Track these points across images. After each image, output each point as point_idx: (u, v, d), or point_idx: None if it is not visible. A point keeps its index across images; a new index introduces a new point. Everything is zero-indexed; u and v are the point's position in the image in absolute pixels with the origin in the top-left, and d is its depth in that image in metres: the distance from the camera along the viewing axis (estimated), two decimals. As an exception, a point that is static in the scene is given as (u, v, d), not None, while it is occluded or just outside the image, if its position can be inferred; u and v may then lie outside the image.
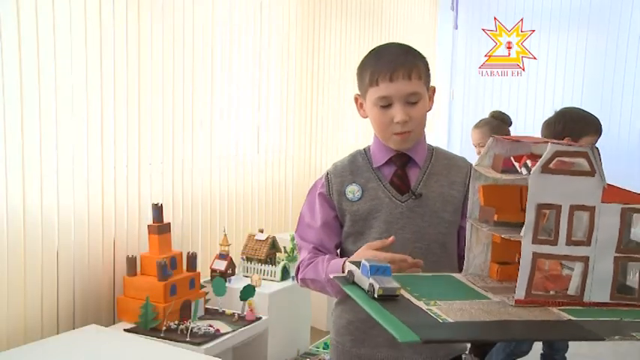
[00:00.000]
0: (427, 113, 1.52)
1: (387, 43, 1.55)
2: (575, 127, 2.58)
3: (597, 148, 1.04)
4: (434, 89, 1.53)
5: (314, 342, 3.29)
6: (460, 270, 1.48)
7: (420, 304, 1.05)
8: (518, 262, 1.21)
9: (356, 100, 1.55)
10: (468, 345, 1.63)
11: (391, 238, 1.38)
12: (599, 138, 2.60)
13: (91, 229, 2.62)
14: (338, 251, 1.59)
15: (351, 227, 1.52)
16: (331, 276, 1.27)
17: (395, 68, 1.42)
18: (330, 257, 1.50)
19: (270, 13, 3.67)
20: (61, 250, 2.50)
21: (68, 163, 2.52)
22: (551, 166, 1.02)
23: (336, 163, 1.59)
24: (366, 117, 1.53)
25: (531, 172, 1.02)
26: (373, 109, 1.47)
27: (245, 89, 3.52)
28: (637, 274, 1.08)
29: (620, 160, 4.99)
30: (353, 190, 1.52)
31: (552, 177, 1.02)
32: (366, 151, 1.57)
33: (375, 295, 1.07)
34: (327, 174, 1.57)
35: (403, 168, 1.52)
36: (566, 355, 3.07)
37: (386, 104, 1.44)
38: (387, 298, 1.06)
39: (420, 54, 1.51)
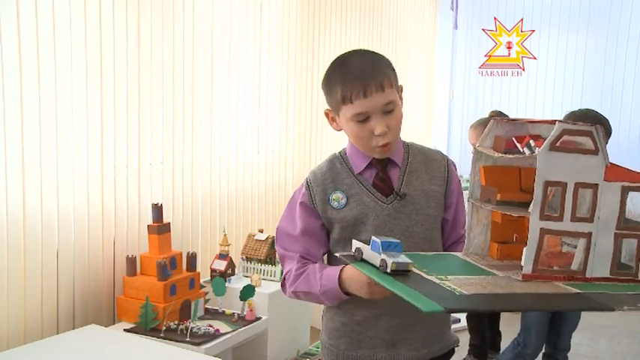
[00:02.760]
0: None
1: (349, 54, 1.49)
2: None
3: (601, 126, 1.06)
4: (401, 88, 1.50)
5: (314, 342, 3.29)
6: None
7: (432, 278, 1.07)
8: (516, 241, 1.24)
9: (327, 114, 1.52)
10: (461, 340, 1.64)
11: None
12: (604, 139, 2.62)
13: (91, 229, 2.62)
14: (324, 257, 1.56)
15: (339, 234, 1.50)
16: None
17: (367, 83, 1.39)
18: (320, 266, 1.48)
19: (270, 13, 3.67)
20: (61, 250, 2.51)
21: (68, 163, 2.52)
22: (558, 144, 1.04)
23: (315, 170, 1.56)
24: (340, 130, 1.50)
25: (540, 150, 1.04)
26: (350, 124, 1.44)
27: (245, 89, 3.52)
28: (634, 251, 1.11)
29: (619, 160, 4.99)
30: (338, 198, 1.49)
31: (559, 155, 1.04)
32: (342, 156, 1.54)
33: (388, 270, 1.08)
34: (308, 183, 1.53)
35: (384, 170, 1.50)
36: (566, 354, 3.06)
37: (363, 119, 1.42)
38: (400, 273, 1.08)
39: (384, 59, 1.48)
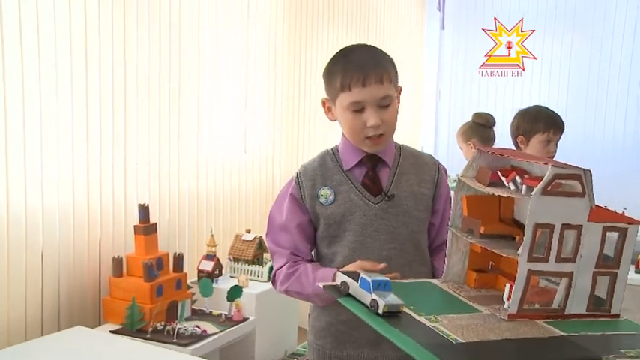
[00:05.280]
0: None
1: (354, 46, 1.53)
2: (526, 125, 2.62)
3: (589, 170, 1.08)
4: (400, 89, 1.52)
5: (301, 342, 3.29)
6: (431, 265, 1.53)
7: (422, 319, 1.07)
8: (492, 268, 1.27)
9: (323, 103, 1.55)
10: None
11: (383, 265, 1.36)
12: (558, 135, 2.59)
13: (77, 229, 2.60)
14: (312, 254, 1.57)
15: (325, 231, 1.51)
16: (321, 285, 1.24)
17: (367, 73, 1.42)
18: (313, 267, 1.48)
19: (258, 13, 3.66)
20: (45, 251, 2.48)
21: (53, 161, 2.49)
22: (549, 188, 1.06)
23: (305, 165, 1.57)
24: (335, 120, 1.53)
25: (532, 194, 1.06)
26: (345, 113, 1.46)
27: (232, 89, 3.51)
28: (605, 286, 1.13)
29: (616, 158, 5.03)
30: (326, 194, 1.50)
31: (549, 198, 1.06)
32: (334, 152, 1.56)
33: (380, 312, 1.06)
34: (298, 177, 1.54)
35: (374, 169, 1.51)
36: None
37: (358, 109, 1.44)
38: (391, 314, 1.06)
39: (388, 55, 1.51)
